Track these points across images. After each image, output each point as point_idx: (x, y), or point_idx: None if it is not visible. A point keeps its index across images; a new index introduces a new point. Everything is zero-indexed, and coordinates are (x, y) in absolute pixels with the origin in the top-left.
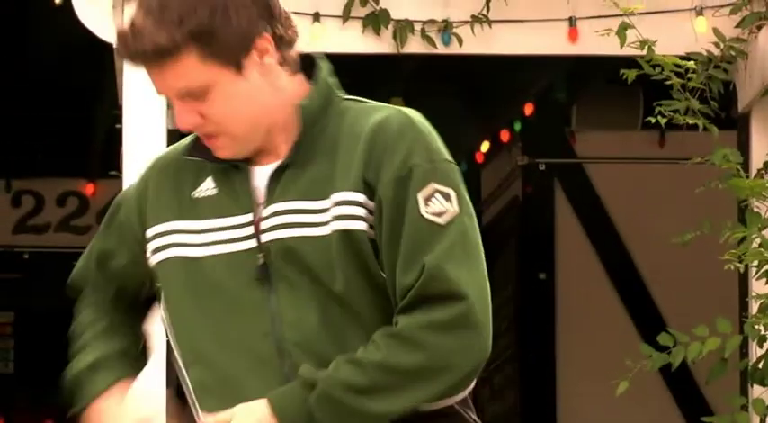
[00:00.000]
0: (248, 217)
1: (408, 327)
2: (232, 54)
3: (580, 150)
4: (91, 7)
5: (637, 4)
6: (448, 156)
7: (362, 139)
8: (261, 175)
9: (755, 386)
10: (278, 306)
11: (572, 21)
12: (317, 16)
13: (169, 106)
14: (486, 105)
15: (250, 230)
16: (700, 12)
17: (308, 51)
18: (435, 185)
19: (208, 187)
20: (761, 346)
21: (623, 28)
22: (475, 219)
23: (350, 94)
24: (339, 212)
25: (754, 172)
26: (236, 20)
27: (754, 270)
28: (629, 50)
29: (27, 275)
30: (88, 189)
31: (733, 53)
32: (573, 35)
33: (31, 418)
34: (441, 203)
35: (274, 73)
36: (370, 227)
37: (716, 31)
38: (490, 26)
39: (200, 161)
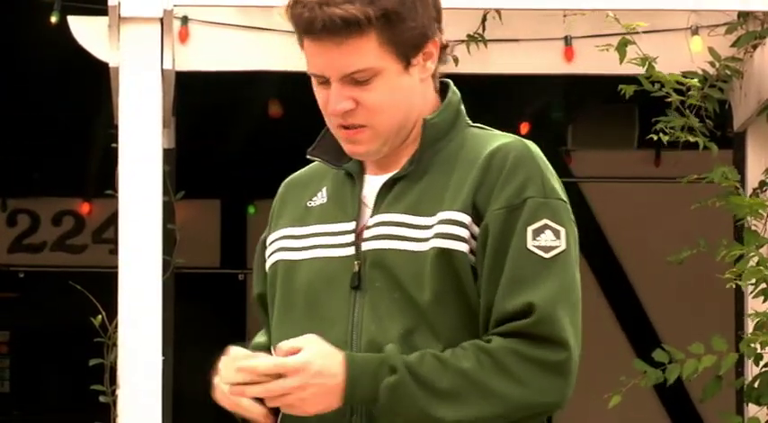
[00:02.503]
0: (351, 225)
1: (505, 351)
2: (407, 47)
3: (576, 169)
4: (87, 27)
5: (637, 21)
6: (562, 194)
7: (479, 162)
8: (373, 185)
9: (751, 405)
10: (360, 316)
11: (568, 40)
12: None
13: (164, 126)
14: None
15: (351, 238)
16: (695, 31)
17: (441, 78)
18: (547, 221)
19: (322, 196)
20: (757, 365)
21: (623, 44)
22: (578, 261)
23: None
24: (441, 230)
25: (749, 191)
26: (421, 15)
27: (750, 288)
28: (627, 68)
29: (22, 294)
30: (84, 208)
31: (728, 72)
32: (569, 54)
33: None
34: (550, 239)
35: (428, 81)
36: (471, 251)
37: (711, 51)
38: (486, 45)
39: (324, 172)
